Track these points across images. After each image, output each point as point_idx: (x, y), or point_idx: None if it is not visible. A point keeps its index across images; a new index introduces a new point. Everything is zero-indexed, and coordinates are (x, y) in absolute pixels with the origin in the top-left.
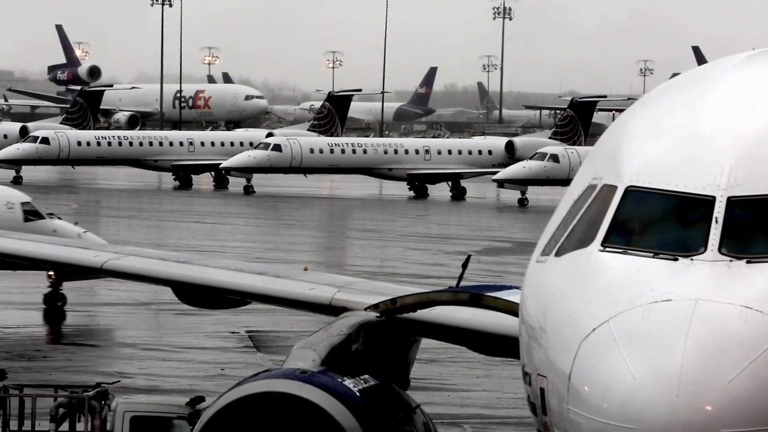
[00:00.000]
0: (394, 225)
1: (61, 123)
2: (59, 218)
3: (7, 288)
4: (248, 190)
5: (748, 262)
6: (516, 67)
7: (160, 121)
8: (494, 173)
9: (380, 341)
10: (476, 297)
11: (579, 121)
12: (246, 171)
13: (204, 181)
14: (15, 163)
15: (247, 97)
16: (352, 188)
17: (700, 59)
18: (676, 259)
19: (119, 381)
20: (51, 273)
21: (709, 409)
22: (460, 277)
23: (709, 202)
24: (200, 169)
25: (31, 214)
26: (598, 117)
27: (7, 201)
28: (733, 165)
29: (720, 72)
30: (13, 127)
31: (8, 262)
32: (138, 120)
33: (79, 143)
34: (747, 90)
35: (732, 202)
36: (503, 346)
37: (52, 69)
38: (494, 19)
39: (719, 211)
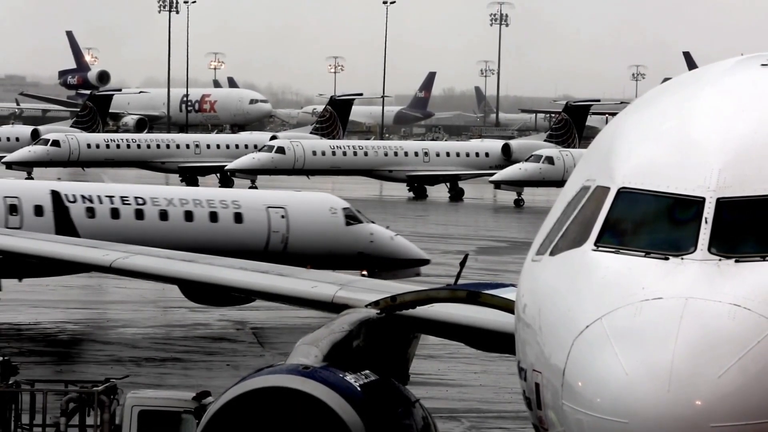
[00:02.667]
0: (394, 225)
1: (71, 126)
2: (372, 222)
3: (18, 286)
4: None
5: (736, 261)
6: (512, 72)
7: (167, 124)
8: (491, 175)
9: (380, 338)
10: (474, 295)
11: (573, 124)
12: (250, 173)
13: (210, 183)
14: (27, 165)
15: (252, 101)
16: (353, 189)
17: (691, 64)
18: (667, 259)
19: (128, 376)
20: None
21: (699, 404)
22: (458, 276)
23: (699, 203)
24: (206, 170)
25: (351, 219)
26: (591, 120)
27: (331, 207)
28: (722, 167)
29: (710, 77)
30: (25, 130)
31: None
32: (146, 123)
33: (89, 146)
34: (736, 94)
35: (721, 203)
36: (500, 342)
37: (62, 74)
38: (491, 25)
39: (709, 211)
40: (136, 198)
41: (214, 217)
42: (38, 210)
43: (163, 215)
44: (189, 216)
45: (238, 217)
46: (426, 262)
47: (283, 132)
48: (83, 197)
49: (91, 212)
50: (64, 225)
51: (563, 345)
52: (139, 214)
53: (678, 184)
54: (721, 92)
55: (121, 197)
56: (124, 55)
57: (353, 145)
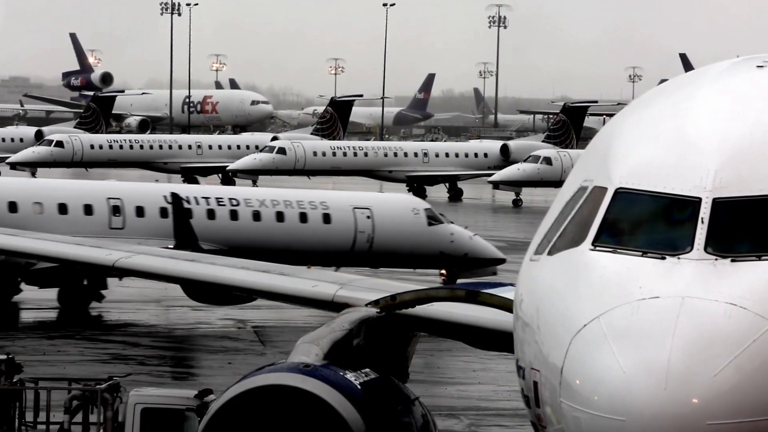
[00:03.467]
0: None
1: (74, 127)
2: (452, 222)
3: (21, 284)
4: None
5: (732, 260)
6: (511, 73)
7: (169, 125)
8: (490, 175)
9: (380, 336)
10: (472, 294)
11: (571, 125)
12: (252, 173)
13: (211, 183)
14: (30, 165)
15: (253, 103)
16: (353, 190)
17: (687, 66)
18: (664, 258)
19: (131, 374)
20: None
21: (695, 402)
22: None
23: (695, 203)
24: (208, 171)
25: (432, 219)
26: (589, 121)
27: (413, 207)
28: (718, 168)
29: (706, 78)
30: (29, 131)
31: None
32: (148, 124)
33: (92, 146)
34: (732, 95)
35: (717, 204)
36: (498, 340)
37: (66, 75)
38: (490, 27)
39: (705, 211)
40: (230, 199)
41: (303, 217)
42: (140, 211)
43: (256, 216)
44: (280, 217)
45: (327, 218)
46: (502, 261)
47: (284, 133)
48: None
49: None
50: (184, 227)
51: (561, 343)
52: (234, 215)
53: (675, 184)
54: (718, 94)
55: (216, 198)
56: (127, 56)
57: (353, 145)
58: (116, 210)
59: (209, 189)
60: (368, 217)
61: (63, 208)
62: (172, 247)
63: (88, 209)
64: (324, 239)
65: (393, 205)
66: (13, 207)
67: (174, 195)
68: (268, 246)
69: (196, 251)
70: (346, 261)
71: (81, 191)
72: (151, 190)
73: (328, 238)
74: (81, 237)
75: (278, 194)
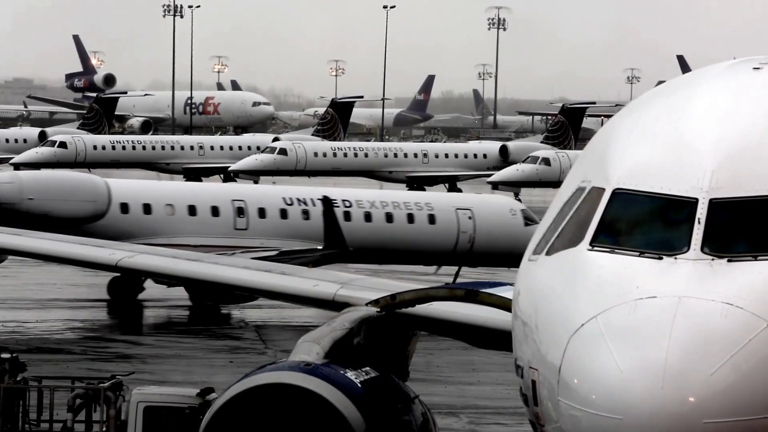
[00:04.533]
0: None
1: (78, 128)
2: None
3: (25, 284)
4: None
5: (729, 261)
6: (510, 75)
7: (171, 126)
8: (489, 176)
9: (381, 335)
10: (472, 293)
11: (569, 126)
12: (253, 173)
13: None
14: (34, 166)
15: (255, 104)
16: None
17: (685, 68)
18: (661, 258)
19: (133, 373)
20: None
21: (692, 401)
22: (457, 274)
23: (692, 203)
24: (210, 171)
25: (528, 219)
26: (587, 122)
27: (511, 208)
28: (715, 168)
29: (703, 80)
30: (33, 132)
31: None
32: (151, 125)
33: (95, 147)
34: (729, 97)
35: (714, 204)
36: (497, 339)
37: (69, 77)
38: (489, 29)
39: (702, 212)
40: (343, 201)
41: (411, 218)
42: (261, 212)
43: (368, 217)
44: (389, 218)
45: (431, 219)
46: None
47: (285, 134)
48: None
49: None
50: (333, 229)
51: (559, 343)
52: (347, 216)
53: (672, 185)
54: (714, 95)
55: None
56: (130, 58)
57: (354, 146)
58: (240, 211)
59: (323, 191)
60: (470, 217)
61: (192, 210)
62: (322, 248)
63: (215, 211)
64: (428, 240)
65: (492, 206)
66: (147, 209)
67: (325, 198)
68: (379, 246)
69: (344, 252)
70: (447, 261)
71: (208, 193)
72: (271, 192)
73: (432, 238)
74: (209, 237)
75: (386, 196)
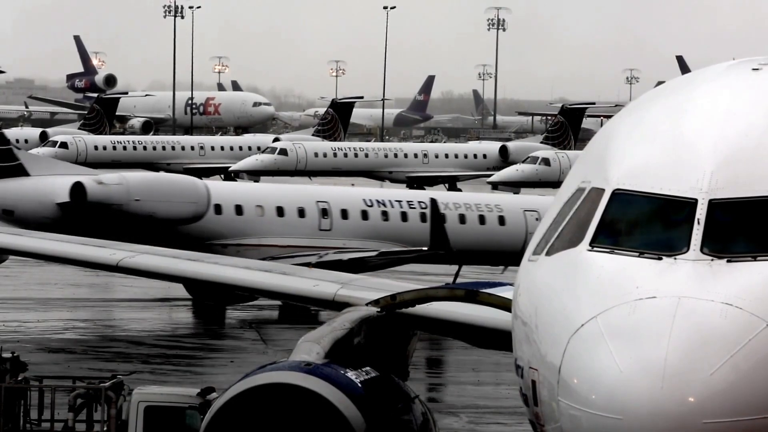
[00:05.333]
0: None
1: (79, 128)
2: None
3: (26, 284)
4: None
5: (728, 261)
6: (509, 75)
7: (172, 126)
8: (489, 176)
9: (381, 335)
10: (472, 293)
11: (569, 126)
12: (254, 174)
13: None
14: None
15: (255, 104)
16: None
17: (684, 68)
18: (661, 259)
19: (134, 373)
20: None
21: (691, 401)
22: (457, 275)
23: (691, 204)
24: (210, 172)
25: None
26: (587, 123)
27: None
28: (714, 169)
29: (703, 81)
30: (34, 132)
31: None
32: (152, 125)
33: (96, 147)
34: (728, 98)
35: (713, 205)
36: (497, 339)
37: (70, 77)
38: (489, 30)
39: (701, 213)
40: (419, 203)
41: (482, 220)
42: (344, 214)
43: (423, 218)
44: (462, 219)
45: (501, 220)
46: None
47: (286, 134)
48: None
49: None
50: (439, 231)
51: (559, 343)
52: (423, 218)
53: (671, 185)
54: (714, 96)
55: (407, 201)
56: (131, 59)
57: (354, 146)
58: (324, 213)
59: (401, 193)
60: (537, 219)
61: (280, 211)
62: (427, 249)
63: (301, 212)
64: (498, 241)
65: None
66: (239, 210)
67: (432, 200)
68: (454, 247)
69: (449, 254)
70: (514, 261)
71: (295, 195)
72: (353, 194)
73: (502, 239)
74: (296, 238)
75: (459, 197)
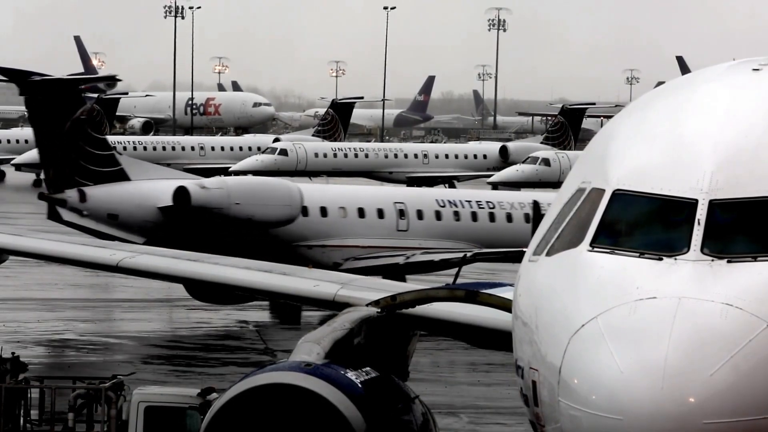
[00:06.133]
0: None
1: None
2: None
3: (26, 284)
4: None
5: (728, 261)
6: (510, 76)
7: (172, 127)
8: (489, 176)
9: (381, 335)
10: (472, 294)
11: (569, 127)
12: (254, 174)
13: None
14: (35, 166)
15: (255, 105)
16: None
17: (684, 69)
18: (661, 259)
19: (134, 373)
20: None
21: (692, 401)
22: (457, 275)
23: (691, 204)
24: (211, 172)
25: None
26: (587, 123)
27: None
28: (714, 170)
29: (703, 81)
30: None
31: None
32: (152, 126)
33: None
34: (728, 98)
35: (713, 205)
36: (497, 340)
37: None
38: (489, 30)
39: (701, 213)
40: (477, 202)
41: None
42: (419, 214)
43: (509, 218)
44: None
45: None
46: None
47: (286, 134)
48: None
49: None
50: None
51: (559, 343)
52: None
53: (671, 186)
54: (714, 96)
55: (466, 201)
56: (131, 59)
57: (354, 147)
58: (402, 213)
59: (470, 193)
60: None
61: (361, 212)
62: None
63: (380, 213)
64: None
65: None
66: (323, 211)
67: (535, 202)
68: (509, 245)
69: None
70: None
71: (374, 196)
72: (426, 195)
73: None
74: (375, 239)
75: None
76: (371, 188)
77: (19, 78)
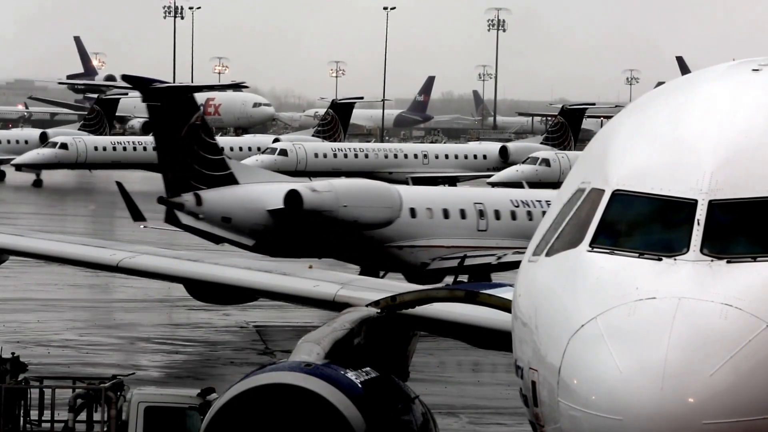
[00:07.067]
0: None
1: (79, 129)
2: None
3: (26, 284)
4: None
5: (728, 261)
6: (509, 76)
7: None
8: (489, 176)
9: (381, 336)
10: (472, 294)
11: (569, 127)
12: None
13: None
14: (35, 167)
15: (255, 105)
16: None
17: (684, 69)
18: (661, 259)
19: (134, 373)
20: None
21: (691, 401)
22: (456, 275)
23: (691, 205)
24: None
25: None
26: (587, 123)
27: None
28: (714, 170)
29: (702, 81)
30: (34, 133)
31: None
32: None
33: (96, 148)
34: (727, 98)
35: (713, 205)
36: (497, 340)
37: (70, 78)
38: (489, 31)
39: (701, 213)
40: (537, 201)
41: None
42: (497, 214)
43: (530, 216)
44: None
45: None
46: None
47: (286, 135)
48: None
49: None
50: None
51: (559, 343)
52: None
53: (671, 186)
54: (714, 97)
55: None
56: (131, 59)
57: (354, 147)
58: (481, 214)
59: (541, 193)
60: None
61: (446, 213)
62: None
63: (463, 213)
64: None
65: None
66: (413, 213)
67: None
68: None
69: None
70: None
71: (456, 197)
72: (502, 195)
73: None
74: (458, 239)
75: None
76: (452, 189)
77: (143, 85)
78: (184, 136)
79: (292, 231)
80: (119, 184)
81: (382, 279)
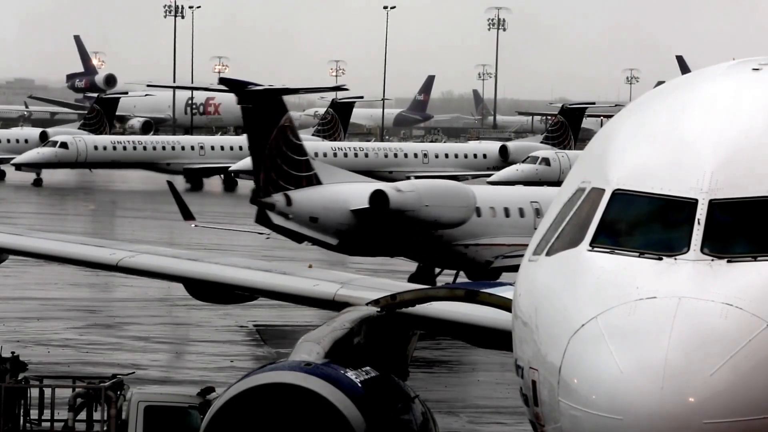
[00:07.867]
0: None
1: (79, 128)
2: None
3: (26, 283)
4: None
5: (728, 261)
6: (509, 75)
7: (172, 126)
8: (489, 176)
9: (381, 335)
10: (472, 293)
11: (569, 126)
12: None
13: (214, 184)
14: (35, 166)
15: None
16: None
17: (684, 69)
18: (661, 259)
19: (134, 372)
20: None
21: (692, 401)
22: (457, 275)
23: (691, 204)
24: (210, 172)
25: None
26: (587, 123)
27: None
28: (714, 169)
29: (702, 81)
30: (34, 132)
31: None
32: (151, 125)
33: (96, 147)
34: (728, 98)
35: (713, 205)
36: (497, 339)
37: (70, 77)
38: (489, 30)
39: (701, 213)
40: None
41: None
42: None
43: None
44: None
45: None
46: None
47: None
48: None
49: None
50: None
51: (559, 343)
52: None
53: (671, 185)
54: (714, 96)
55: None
56: (131, 59)
57: (354, 146)
58: (537, 212)
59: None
60: None
61: (507, 212)
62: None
63: (521, 212)
64: None
65: None
66: (478, 212)
67: None
68: None
69: None
70: None
71: (514, 196)
72: (553, 194)
73: None
74: (518, 237)
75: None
76: (511, 188)
77: (238, 88)
78: (274, 137)
79: (375, 230)
80: (170, 184)
81: (382, 279)
